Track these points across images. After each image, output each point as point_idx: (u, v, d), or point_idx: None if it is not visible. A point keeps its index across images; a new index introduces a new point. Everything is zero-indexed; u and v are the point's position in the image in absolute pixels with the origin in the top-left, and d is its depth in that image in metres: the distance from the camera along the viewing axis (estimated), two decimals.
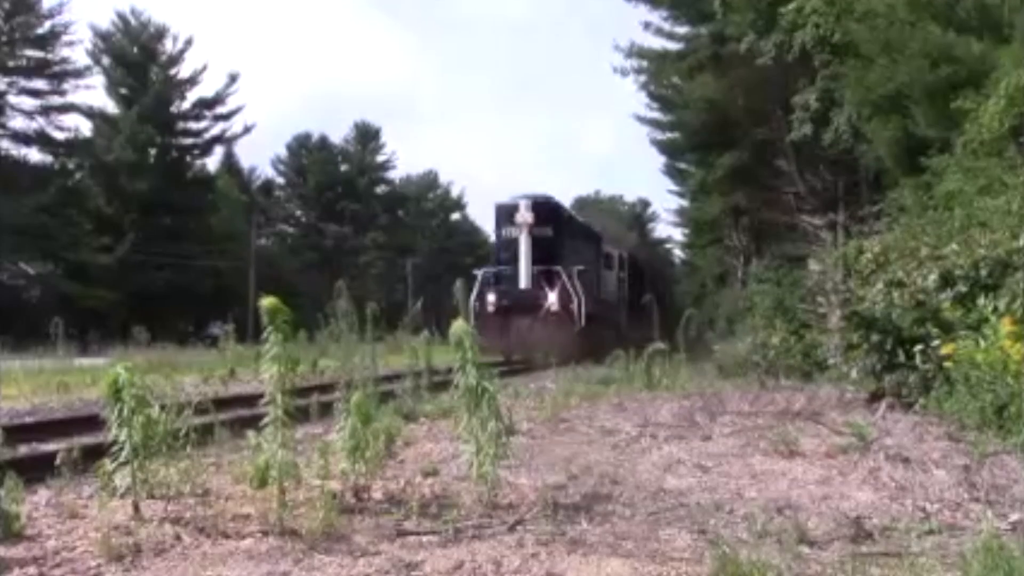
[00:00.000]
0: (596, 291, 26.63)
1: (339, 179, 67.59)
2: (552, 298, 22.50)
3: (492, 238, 28.74)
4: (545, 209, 23.75)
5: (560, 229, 24.05)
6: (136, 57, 48.58)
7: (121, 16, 49.00)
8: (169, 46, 49.75)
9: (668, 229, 76.23)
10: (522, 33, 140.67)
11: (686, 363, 13.07)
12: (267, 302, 4.27)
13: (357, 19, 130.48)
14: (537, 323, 22.16)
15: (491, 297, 22.93)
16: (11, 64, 42.96)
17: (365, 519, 4.26)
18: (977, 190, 11.03)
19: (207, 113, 51.60)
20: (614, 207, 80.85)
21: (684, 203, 46.40)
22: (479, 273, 24.01)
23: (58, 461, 4.88)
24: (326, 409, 6.53)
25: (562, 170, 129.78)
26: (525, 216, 23.11)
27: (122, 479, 4.25)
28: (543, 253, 23.06)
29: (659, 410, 8.86)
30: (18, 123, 43.33)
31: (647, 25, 28.53)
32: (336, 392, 6.20)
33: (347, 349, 8.82)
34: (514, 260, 23.42)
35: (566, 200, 36.16)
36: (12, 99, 43.34)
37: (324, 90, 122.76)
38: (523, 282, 23.05)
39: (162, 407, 4.47)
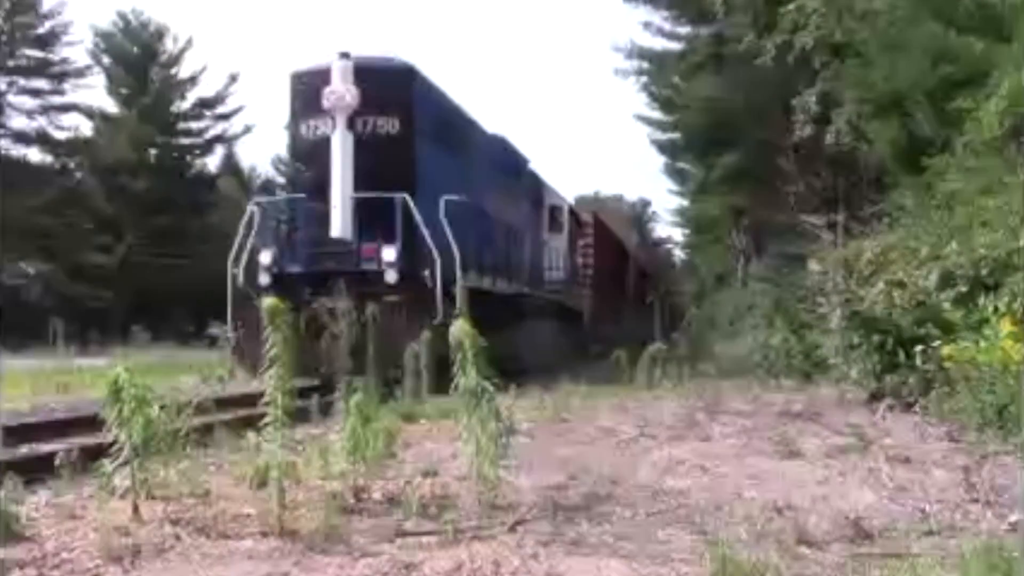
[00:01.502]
0: (516, 255, 16.57)
1: None
2: (388, 256, 11.53)
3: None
4: (384, 79, 12.43)
5: (418, 120, 12.62)
6: (136, 57, 48.56)
7: (122, 16, 49.00)
8: (169, 46, 49.72)
9: (668, 229, 76.21)
10: (522, 31, 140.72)
11: (687, 363, 13.07)
12: (267, 303, 4.28)
13: (356, 18, 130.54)
14: (358, 310, 11.16)
15: (266, 258, 12.06)
16: (11, 64, 42.96)
17: (365, 519, 4.26)
18: (977, 190, 11.02)
19: (207, 113, 51.55)
20: (614, 207, 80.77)
21: (684, 203, 46.40)
22: (251, 207, 12.78)
23: (58, 461, 4.88)
24: (326, 409, 6.55)
25: (562, 169, 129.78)
26: (342, 92, 11.81)
27: (122, 480, 4.25)
28: (377, 168, 11.79)
29: (659, 410, 8.86)
30: (18, 123, 43.35)
31: (647, 25, 28.55)
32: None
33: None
34: (319, 183, 12.01)
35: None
36: (12, 99, 43.34)
37: None
38: (335, 227, 11.71)
39: (162, 407, 4.47)
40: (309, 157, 12.79)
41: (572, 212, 22.61)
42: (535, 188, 19.79)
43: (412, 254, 11.78)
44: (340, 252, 11.88)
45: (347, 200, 11.73)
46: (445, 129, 13.78)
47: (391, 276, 11.55)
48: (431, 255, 11.54)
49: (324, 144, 12.05)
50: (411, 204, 11.71)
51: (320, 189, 11.95)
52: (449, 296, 11.41)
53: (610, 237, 28.87)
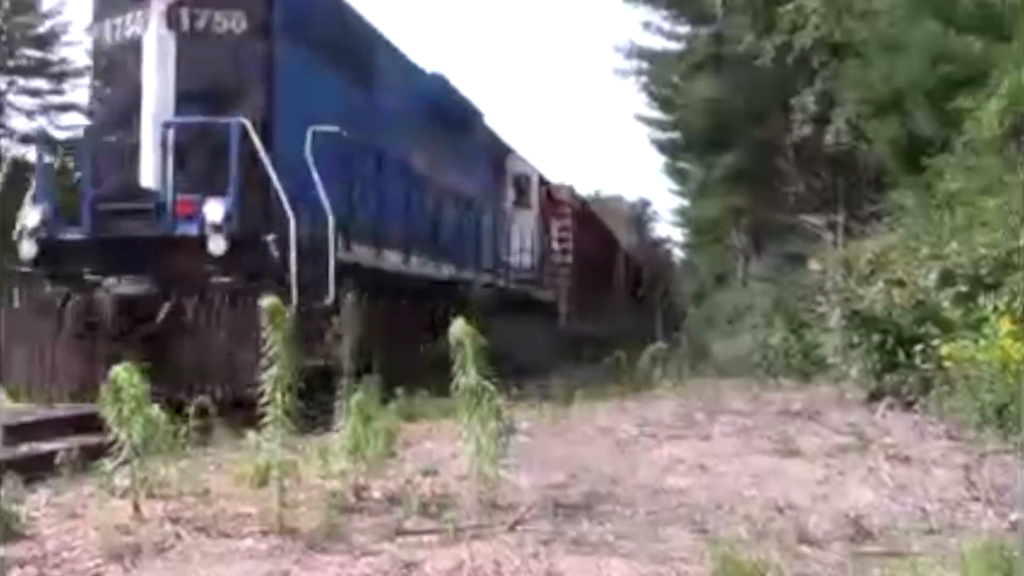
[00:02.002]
0: (460, 230, 12.83)
1: None
2: (214, 214, 7.69)
3: None
4: None
5: (279, 17, 8.82)
6: None
7: None
8: None
9: (668, 229, 76.27)
10: (521, 31, 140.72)
11: (686, 363, 13.06)
12: (267, 302, 4.28)
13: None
14: (168, 299, 7.65)
15: (32, 218, 8.27)
16: (11, 64, 42.99)
17: (365, 518, 4.26)
18: (977, 190, 11.03)
19: None
20: (614, 207, 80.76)
21: (685, 203, 46.43)
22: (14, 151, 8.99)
23: (58, 460, 4.88)
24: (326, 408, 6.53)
25: (562, 169, 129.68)
26: None
27: (122, 479, 4.26)
28: (211, 84, 8.41)
29: (659, 410, 8.86)
30: (18, 123, 43.38)
31: (647, 25, 28.61)
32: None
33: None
34: (122, 108, 8.46)
35: None
36: (12, 98, 43.38)
37: None
38: (144, 171, 8.12)
39: (162, 407, 4.47)
40: (112, 71, 8.78)
41: (544, 184, 18.49)
42: (493, 150, 15.66)
43: (253, 211, 7.84)
44: (144, 209, 8.00)
45: (158, 131, 7.95)
46: (330, 39, 9.54)
47: (218, 245, 7.60)
48: (282, 212, 7.63)
49: (133, 50, 8.27)
50: (252, 133, 7.71)
51: (123, 117, 8.26)
52: (319, 277, 7.82)
53: (594, 221, 25.00)
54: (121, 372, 4.18)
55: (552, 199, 19.50)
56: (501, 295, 14.49)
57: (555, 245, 19.88)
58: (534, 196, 17.63)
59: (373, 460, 4.90)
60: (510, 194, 16.85)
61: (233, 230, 7.72)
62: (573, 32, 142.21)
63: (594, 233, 24.08)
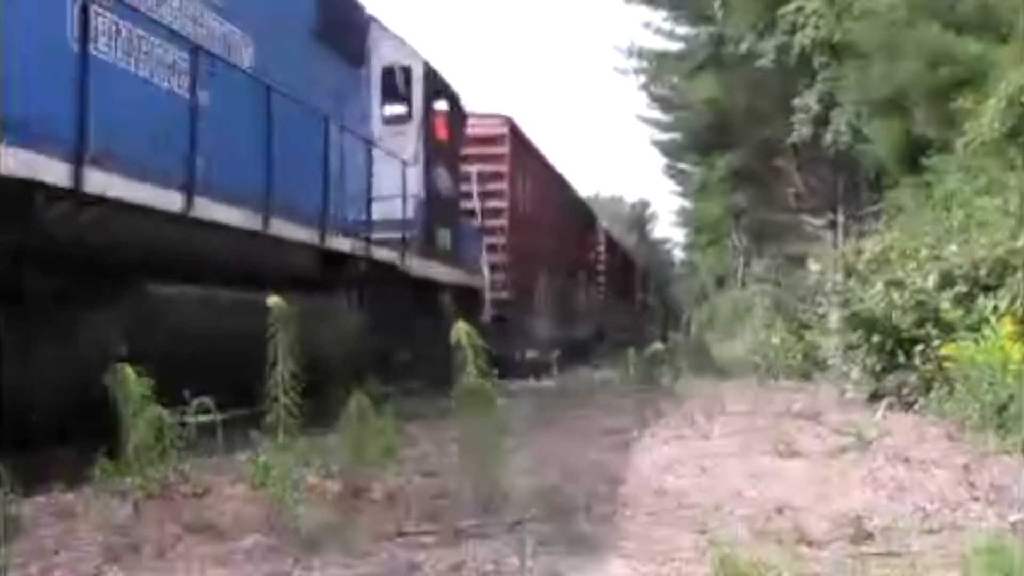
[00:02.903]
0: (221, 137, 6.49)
1: None
2: None
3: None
4: None
5: None
6: None
7: None
8: None
9: (669, 230, 76.34)
10: (523, 29, 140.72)
11: (686, 363, 13.07)
12: (272, 301, 4.27)
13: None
14: None
15: None
16: None
17: (365, 519, 4.26)
18: (977, 190, 11.03)
19: None
20: (614, 207, 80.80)
21: (686, 203, 46.44)
22: None
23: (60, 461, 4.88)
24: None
25: (561, 170, 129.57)
26: None
27: (123, 479, 4.25)
28: None
29: (659, 410, 8.86)
30: None
31: (647, 25, 28.61)
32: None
33: None
34: None
35: None
36: None
37: None
38: None
39: (164, 406, 4.46)
40: None
41: (437, 85, 11.33)
42: (335, 14, 9.06)
43: None
44: None
45: None
46: None
47: None
48: None
49: None
50: None
51: None
52: None
53: (556, 178, 17.31)
54: (125, 371, 4.18)
55: (455, 112, 12.02)
56: (324, 266, 8.53)
57: (478, 201, 13.49)
58: (416, 101, 10.61)
59: (373, 460, 4.90)
60: (375, 99, 10.26)
61: None
62: (574, 33, 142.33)
63: (552, 194, 16.64)
